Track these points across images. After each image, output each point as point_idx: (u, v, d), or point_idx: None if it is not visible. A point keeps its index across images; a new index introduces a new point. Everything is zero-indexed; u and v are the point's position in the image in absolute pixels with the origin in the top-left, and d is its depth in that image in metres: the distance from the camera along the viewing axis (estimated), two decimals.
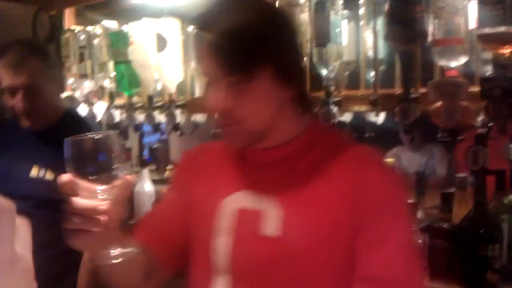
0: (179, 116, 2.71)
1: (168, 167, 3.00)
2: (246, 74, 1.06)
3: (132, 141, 3.25)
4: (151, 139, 3.92)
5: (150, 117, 2.59)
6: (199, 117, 2.73)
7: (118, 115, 2.82)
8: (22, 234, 0.52)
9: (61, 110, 2.04)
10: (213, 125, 1.19)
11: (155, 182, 2.78)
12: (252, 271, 1.12)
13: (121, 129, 3.32)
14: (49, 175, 1.94)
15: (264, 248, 1.10)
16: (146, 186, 2.66)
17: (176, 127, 2.63)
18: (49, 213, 1.74)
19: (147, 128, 3.77)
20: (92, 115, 2.81)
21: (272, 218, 1.10)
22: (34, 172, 1.95)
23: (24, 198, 1.83)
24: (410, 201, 1.26)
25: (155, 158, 3.40)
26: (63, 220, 1.84)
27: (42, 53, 2.04)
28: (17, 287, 0.49)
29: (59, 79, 2.08)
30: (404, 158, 3.78)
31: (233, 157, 1.22)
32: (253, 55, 1.06)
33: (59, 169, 1.88)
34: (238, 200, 1.16)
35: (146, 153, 3.62)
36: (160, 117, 2.79)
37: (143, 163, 2.95)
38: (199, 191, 1.24)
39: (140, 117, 2.93)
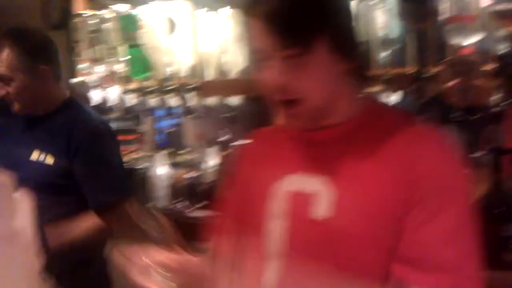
0: (192, 100, 2.71)
1: (182, 151, 3.01)
2: (302, 46, 1.02)
3: (145, 126, 3.26)
4: (165, 124, 3.92)
5: (162, 101, 2.59)
6: (211, 100, 2.73)
7: (130, 100, 2.82)
8: (23, 209, 0.52)
9: (62, 97, 2.06)
10: (271, 106, 1.12)
11: (169, 165, 2.80)
12: (304, 254, 1.09)
13: (134, 114, 3.34)
14: (49, 159, 1.91)
15: (315, 231, 1.08)
16: (160, 169, 2.67)
17: (188, 110, 2.63)
18: (48, 197, 1.77)
19: (160, 112, 3.78)
20: (104, 100, 2.81)
21: (324, 200, 1.07)
22: (35, 155, 1.93)
23: (24, 181, 1.75)
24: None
25: (170, 143, 3.41)
26: (61, 204, 1.84)
27: (30, 41, 2.02)
28: (18, 262, 0.48)
29: (55, 66, 2.07)
30: None
31: (286, 138, 1.19)
32: (309, 24, 1.02)
33: (59, 154, 1.87)
34: (290, 183, 1.12)
35: (160, 137, 3.64)
36: (173, 101, 2.79)
37: (156, 147, 2.96)
38: (254, 176, 1.22)
39: (152, 101, 2.94)
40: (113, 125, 3.23)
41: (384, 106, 1.29)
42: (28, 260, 0.51)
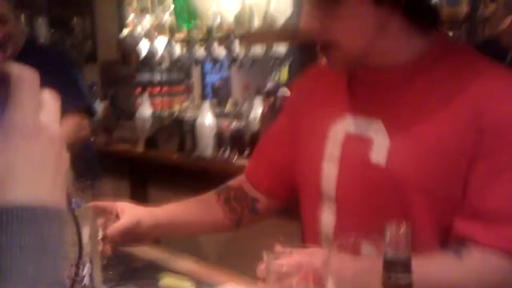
0: (238, 49, 2.69)
1: (229, 101, 3.02)
2: None
3: (193, 77, 3.29)
4: (212, 77, 3.95)
5: (209, 50, 2.59)
6: (258, 49, 2.71)
7: (177, 51, 2.83)
8: (49, 107, 0.52)
9: (21, 41, 2.25)
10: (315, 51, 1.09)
11: (216, 115, 2.82)
12: (357, 199, 1.06)
13: (181, 65, 3.37)
14: None
15: (368, 176, 1.04)
16: (207, 119, 2.69)
17: (235, 60, 2.62)
18: None
19: (208, 66, 3.80)
20: (152, 51, 2.84)
21: (378, 146, 1.03)
22: None
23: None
24: None
25: (217, 95, 3.43)
26: None
27: None
28: (45, 154, 0.48)
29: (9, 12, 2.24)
30: None
31: (342, 79, 1.14)
32: None
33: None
34: (345, 126, 1.09)
35: (207, 90, 3.67)
36: (219, 51, 2.78)
37: (204, 97, 2.98)
38: (309, 117, 1.19)
39: (199, 51, 2.94)
40: (163, 77, 3.30)
41: (454, 46, 1.15)
42: (55, 155, 0.50)
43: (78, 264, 0.95)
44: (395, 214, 0.98)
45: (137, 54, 3.30)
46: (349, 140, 1.08)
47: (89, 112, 2.43)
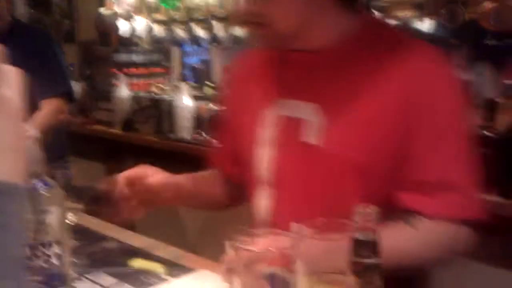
0: (219, 30, 2.65)
1: (208, 84, 2.98)
2: None
3: (173, 59, 3.24)
4: (192, 59, 3.90)
5: (189, 31, 2.55)
6: (239, 31, 2.67)
7: (158, 31, 2.78)
8: (11, 80, 0.50)
9: (8, 20, 2.27)
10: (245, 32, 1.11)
11: (195, 98, 2.78)
12: (293, 181, 1.07)
13: (161, 46, 3.32)
14: None
15: (303, 157, 1.05)
16: (185, 101, 2.66)
17: (215, 40, 2.58)
18: None
19: (189, 48, 3.74)
20: (132, 30, 2.78)
21: (311, 126, 1.04)
22: None
23: None
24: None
25: (197, 77, 3.39)
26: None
27: None
28: (4, 127, 0.47)
29: None
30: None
31: (275, 63, 1.13)
32: None
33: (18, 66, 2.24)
34: (278, 109, 1.09)
35: (187, 72, 3.62)
36: (200, 32, 2.74)
37: (183, 80, 2.94)
38: (242, 102, 1.19)
39: (180, 32, 2.89)
40: (141, 58, 3.24)
41: (380, 25, 1.22)
42: (14, 129, 0.48)
43: (44, 245, 0.94)
44: (330, 193, 1.02)
45: (116, 35, 3.23)
46: (282, 123, 1.08)
47: (69, 97, 2.41)
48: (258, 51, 1.20)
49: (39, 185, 0.92)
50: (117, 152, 3.25)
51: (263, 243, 0.73)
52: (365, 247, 0.59)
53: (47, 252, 0.94)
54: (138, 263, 1.11)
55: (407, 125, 0.98)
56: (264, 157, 1.10)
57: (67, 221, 1.11)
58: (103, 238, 1.29)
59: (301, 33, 1.04)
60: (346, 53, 1.04)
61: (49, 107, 2.23)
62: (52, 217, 0.94)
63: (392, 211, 0.95)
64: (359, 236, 0.60)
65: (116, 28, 3.22)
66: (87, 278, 1.06)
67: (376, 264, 0.60)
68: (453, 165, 0.99)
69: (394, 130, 0.98)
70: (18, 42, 2.22)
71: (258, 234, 0.76)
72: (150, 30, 2.95)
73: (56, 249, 0.98)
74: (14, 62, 2.07)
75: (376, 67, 1.01)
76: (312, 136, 1.03)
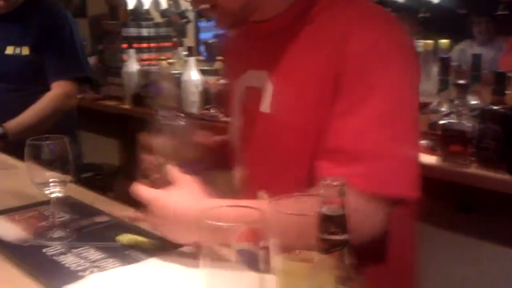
0: None
1: (218, 58, 2.94)
2: None
3: (182, 33, 3.20)
4: (207, 35, 3.87)
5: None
6: None
7: (165, 2, 2.74)
8: None
9: None
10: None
11: (207, 73, 2.75)
12: (254, 148, 1.12)
13: (172, 20, 3.29)
14: (25, 51, 2.15)
15: (259, 125, 1.09)
16: (193, 74, 2.63)
17: None
18: (28, 87, 2.14)
19: (202, 24, 3.70)
20: (140, 3, 2.75)
21: (265, 94, 1.08)
22: (10, 50, 2.16)
23: (3, 75, 2.18)
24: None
25: (210, 52, 3.35)
26: (40, 93, 2.14)
27: None
28: None
29: None
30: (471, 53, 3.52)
31: (243, 36, 1.20)
32: None
33: (32, 44, 2.13)
34: (244, 80, 1.15)
35: (202, 49, 3.59)
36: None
37: (195, 54, 2.90)
38: (226, 75, 1.28)
39: (187, 4, 2.84)
40: (151, 32, 3.21)
41: None
42: None
43: None
44: (279, 158, 1.05)
45: (125, 9, 3.20)
46: (247, 93, 1.14)
47: (84, 80, 2.37)
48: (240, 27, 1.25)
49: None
50: (128, 127, 3.25)
51: (232, 217, 0.70)
52: (331, 222, 0.56)
53: None
54: (127, 238, 1.09)
55: (334, 89, 0.95)
56: (234, 127, 1.18)
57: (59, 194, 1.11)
58: (94, 212, 1.28)
59: (249, 8, 1.06)
60: (291, 19, 1.06)
61: (56, 90, 2.19)
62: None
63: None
64: (325, 211, 0.56)
65: (125, 2, 3.19)
66: (74, 252, 1.05)
67: (344, 240, 0.57)
68: (370, 133, 0.91)
69: (324, 96, 0.96)
70: (32, 17, 2.19)
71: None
72: (157, 3, 2.90)
73: None
74: (25, 38, 2.07)
75: (315, 32, 1.02)
76: (264, 103, 1.07)
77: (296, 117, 1.01)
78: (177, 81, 2.66)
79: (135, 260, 1.01)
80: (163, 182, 1.00)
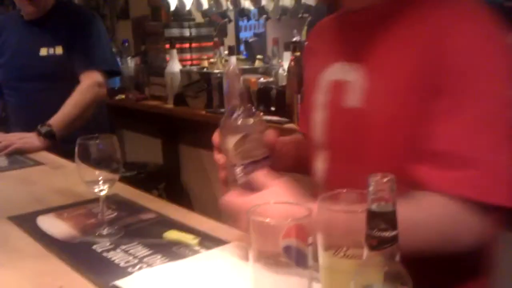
0: (265, 1, 2.60)
1: (258, 57, 2.95)
2: None
3: (223, 32, 3.22)
4: (246, 34, 3.88)
5: (235, 3, 2.51)
6: (287, 1, 2.61)
7: (206, 2, 2.76)
8: None
9: (52, 1, 2.36)
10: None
11: (247, 71, 2.76)
12: (341, 144, 1.07)
13: (213, 20, 3.31)
14: (58, 50, 2.28)
15: (348, 120, 1.04)
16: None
17: (263, 11, 2.53)
18: (64, 85, 2.24)
19: (243, 23, 3.72)
20: (181, 4, 2.77)
21: (355, 89, 1.03)
22: (44, 51, 2.29)
23: (40, 76, 2.32)
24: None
25: (249, 51, 3.36)
26: (63, 90, 2.22)
27: None
28: None
29: None
30: None
31: (333, 28, 1.17)
32: None
33: (65, 42, 2.27)
34: (331, 73, 1.11)
35: (239, 46, 3.59)
36: (247, 3, 2.70)
37: (234, 52, 2.91)
38: (310, 68, 1.23)
39: (227, 3, 2.86)
40: (192, 31, 3.24)
41: None
42: None
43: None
44: (368, 154, 1.00)
45: (167, 9, 3.24)
46: (332, 87, 1.10)
47: (110, 72, 2.46)
48: (329, 18, 1.24)
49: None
50: (170, 126, 3.29)
51: (280, 214, 0.70)
52: (381, 219, 0.55)
53: None
54: (172, 234, 1.11)
55: (433, 86, 0.90)
56: (318, 121, 1.14)
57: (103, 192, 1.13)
58: (140, 209, 1.30)
59: None
60: (389, 11, 1.01)
61: (86, 81, 2.28)
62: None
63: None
64: (375, 207, 0.56)
65: (167, 3, 3.23)
66: (121, 249, 1.07)
67: (394, 237, 0.56)
68: (476, 137, 0.87)
69: (422, 94, 0.91)
70: (60, 19, 2.33)
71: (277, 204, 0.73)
72: (199, 4, 2.93)
73: None
74: (56, 38, 2.18)
75: (415, 25, 0.97)
76: (353, 97, 1.03)
77: (388, 113, 0.97)
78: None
79: (182, 256, 1.02)
80: (247, 186, 0.96)
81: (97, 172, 1.12)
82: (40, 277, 0.98)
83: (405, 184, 0.88)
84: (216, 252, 1.03)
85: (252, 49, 3.35)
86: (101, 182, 1.12)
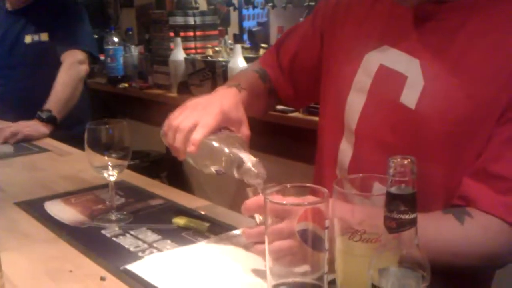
0: None
1: (263, 45, 2.93)
2: None
3: (227, 21, 3.20)
4: (250, 23, 3.86)
5: None
6: None
7: None
8: None
9: None
10: None
11: (247, 60, 2.74)
12: (377, 134, 1.00)
13: (217, 9, 3.29)
14: (44, 37, 2.35)
15: (394, 115, 0.97)
16: (240, 62, 2.63)
17: (270, 1, 2.52)
18: (50, 73, 2.27)
19: (246, 12, 3.69)
20: None
21: (411, 85, 0.95)
22: (28, 39, 2.35)
23: (24, 62, 2.38)
24: None
25: (253, 40, 3.34)
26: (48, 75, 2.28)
27: None
28: None
29: None
30: None
31: (383, 7, 1.06)
32: None
33: (49, 29, 2.31)
34: (381, 57, 1.01)
35: (243, 35, 3.58)
36: None
37: (237, 41, 2.90)
38: (342, 41, 1.12)
39: None
40: (197, 19, 3.22)
41: None
42: None
43: None
44: (421, 161, 0.92)
45: None
46: (382, 73, 1.00)
47: (90, 55, 2.49)
48: None
49: None
50: None
51: (296, 197, 0.70)
52: (401, 201, 0.55)
53: None
54: (181, 220, 1.11)
55: (503, 112, 0.87)
56: (354, 103, 1.05)
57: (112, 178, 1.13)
58: (148, 195, 1.30)
59: None
60: (472, 11, 0.93)
61: (68, 60, 2.34)
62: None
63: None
64: (394, 190, 0.56)
65: None
66: (130, 234, 1.07)
67: (413, 219, 0.56)
68: None
69: (489, 113, 0.88)
70: (44, 7, 2.38)
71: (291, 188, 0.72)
72: None
73: None
74: (41, 26, 2.21)
75: (488, 32, 0.90)
76: (408, 95, 0.95)
77: (448, 123, 0.91)
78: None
79: (191, 242, 1.02)
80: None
81: (106, 157, 1.11)
82: (50, 261, 0.98)
83: (451, 194, 0.90)
84: (227, 238, 1.03)
85: (256, 38, 3.33)
86: (110, 168, 1.11)
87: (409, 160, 0.55)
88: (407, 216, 0.55)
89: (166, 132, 1.06)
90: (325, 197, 0.65)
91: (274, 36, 3.09)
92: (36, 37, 2.36)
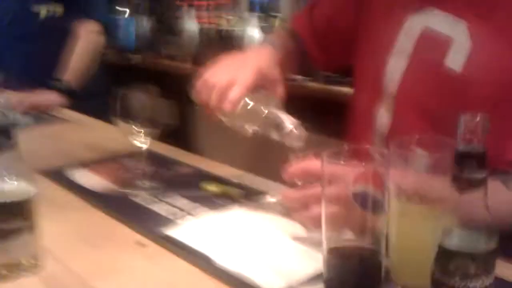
0: None
1: (276, 15, 2.89)
2: None
3: None
4: None
5: None
6: None
7: None
8: None
9: None
10: None
11: (263, 29, 2.71)
12: (419, 99, 0.97)
13: None
14: (58, 9, 2.30)
15: (439, 79, 0.94)
16: (256, 33, 2.60)
17: None
18: (56, 42, 2.24)
19: None
20: None
21: (457, 49, 0.91)
22: (43, 13, 2.30)
23: (39, 36, 2.31)
24: None
25: (264, 9, 3.29)
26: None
27: None
28: None
29: None
30: None
31: None
32: None
33: (64, 1, 2.28)
34: (425, 19, 0.97)
35: (255, 5, 3.52)
36: None
37: (251, 11, 2.85)
38: (381, 3, 1.09)
39: None
40: None
41: None
42: None
43: None
44: (454, 121, 0.91)
45: None
46: (426, 36, 0.97)
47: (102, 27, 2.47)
48: None
49: None
50: (186, 87, 3.25)
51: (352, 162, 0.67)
52: (471, 160, 0.53)
53: None
54: (212, 186, 1.10)
55: None
56: (395, 67, 1.01)
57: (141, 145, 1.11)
58: (177, 163, 1.28)
59: None
60: None
61: (84, 29, 2.31)
62: None
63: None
64: (464, 148, 0.54)
65: None
66: (163, 201, 1.05)
67: (483, 179, 0.54)
68: None
69: None
70: None
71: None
72: None
73: None
74: None
75: None
76: (454, 59, 0.92)
77: (495, 86, 0.88)
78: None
79: (224, 207, 1.01)
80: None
81: (136, 125, 1.10)
82: (84, 228, 0.96)
83: (497, 160, 0.84)
84: (261, 203, 1.02)
85: (266, 7, 3.29)
86: (142, 135, 1.09)
87: (480, 117, 0.53)
88: (477, 175, 0.53)
89: (200, 89, 1.03)
90: (385, 159, 0.63)
91: (287, 8, 3.03)
92: (51, 9, 2.32)
